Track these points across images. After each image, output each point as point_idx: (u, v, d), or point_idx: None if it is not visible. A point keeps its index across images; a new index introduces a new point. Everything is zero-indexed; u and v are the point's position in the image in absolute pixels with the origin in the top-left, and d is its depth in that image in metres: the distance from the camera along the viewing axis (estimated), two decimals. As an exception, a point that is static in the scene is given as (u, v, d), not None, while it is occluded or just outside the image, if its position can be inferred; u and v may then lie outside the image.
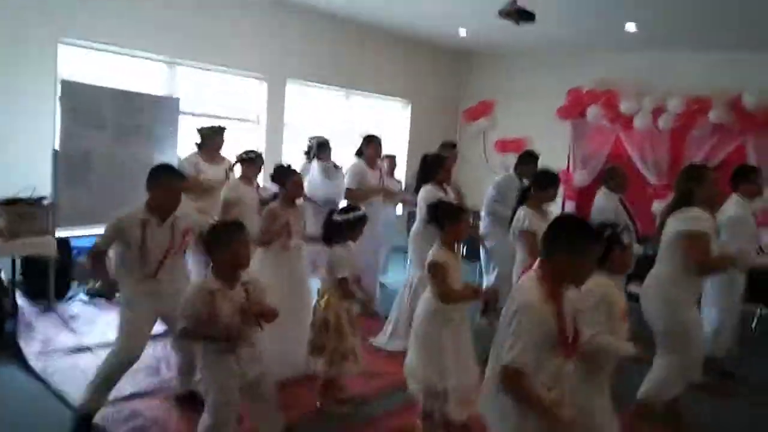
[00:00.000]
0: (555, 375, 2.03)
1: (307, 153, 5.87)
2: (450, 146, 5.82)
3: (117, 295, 3.20)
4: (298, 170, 4.10)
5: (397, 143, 8.23)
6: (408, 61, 8.24)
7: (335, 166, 5.72)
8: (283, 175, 3.83)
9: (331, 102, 7.58)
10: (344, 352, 3.28)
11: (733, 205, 4.01)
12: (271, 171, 3.93)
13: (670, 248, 3.24)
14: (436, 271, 2.98)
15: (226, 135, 4.80)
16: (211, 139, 4.67)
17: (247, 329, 2.50)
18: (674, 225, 3.21)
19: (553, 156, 5.69)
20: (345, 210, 3.54)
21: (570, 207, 7.69)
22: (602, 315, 2.34)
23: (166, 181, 3.00)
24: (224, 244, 2.47)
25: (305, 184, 4.53)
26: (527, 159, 5.12)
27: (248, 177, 4.56)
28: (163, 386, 3.54)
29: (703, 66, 6.79)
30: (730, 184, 4.10)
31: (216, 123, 4.85)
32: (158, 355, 3.93)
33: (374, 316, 3.73)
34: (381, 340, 4.49)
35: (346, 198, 5.23)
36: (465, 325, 3.09)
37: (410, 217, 6.46)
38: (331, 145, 5.82)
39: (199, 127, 4.75)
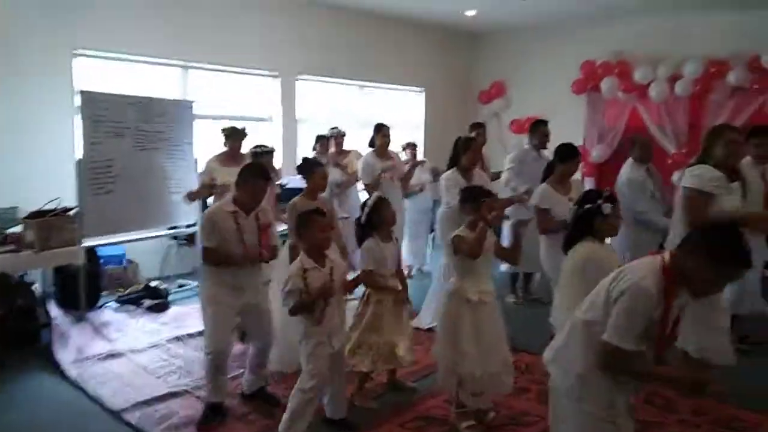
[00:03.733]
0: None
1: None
2: (477, 126, 5.58)
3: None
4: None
5: (414, 132, 8.22)
6: (418, 48, 8.21)
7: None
8: (307, 168, 3.87)
9: (345, 95, 7.60)
10: (380, 347, 3.24)
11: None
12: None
13: (677, 208, 3.27)
14: (459, 243, 2.96)
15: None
16: (234, 139, 4.69)
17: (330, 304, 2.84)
18: (682, 183, 3.24)
19: (570, 132, 5.63)
20: (362, 206, 3.46)
21: (589, 183, 7.60)
22: (591, 274, 2.50)
23: (254, 182, 3.17)
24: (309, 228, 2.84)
25: None
26: (536, 126, 5.15)
27: None
28: (197, 386, 3.58)
29: (718, 28, 6.63)
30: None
31: (231, 124, 4.90)
32: (191, 356, 4.02)
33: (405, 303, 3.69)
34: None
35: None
36: (490, 308, 3.03)
37: (435, 204, 6.44)
38: (347, 137, 5.86)
39: (224, 127, 4.78)
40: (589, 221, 2.72)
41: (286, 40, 6.67)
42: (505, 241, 4.25)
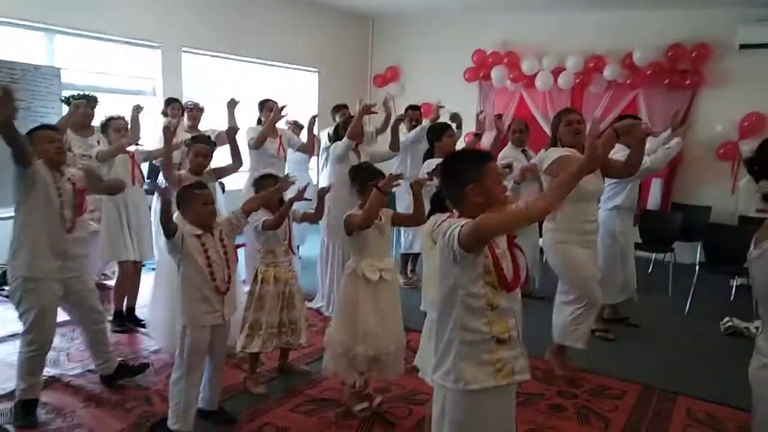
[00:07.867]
0: None
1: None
2: (340, 108, 5.97)
3: None
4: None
5: (307, 114, 8.00)
6: (312, 28, 8.01)
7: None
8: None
9: (236, 73, 7.25)
10: (266, 326, 3.14)
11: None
12: None
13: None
14: (350, 222, 2.85)
15: (97, 106, 4.42)
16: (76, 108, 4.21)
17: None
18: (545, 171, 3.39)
19: (463, 119, 5.74)
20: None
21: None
22: None
23: (34, 137, 2.82)
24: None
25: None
26: (407, 111, 5.66)
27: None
28: (65, 373, 3.34)
29: (597, 25, 7.07)
30: None
31: (106, 96, 4.49)
32: (58, 345, 3.62)
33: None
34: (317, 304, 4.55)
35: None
36: (390, 286, 2.96)
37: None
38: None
39: (64, 96, 4.33)
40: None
41: (168, 10, 6.22)
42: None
